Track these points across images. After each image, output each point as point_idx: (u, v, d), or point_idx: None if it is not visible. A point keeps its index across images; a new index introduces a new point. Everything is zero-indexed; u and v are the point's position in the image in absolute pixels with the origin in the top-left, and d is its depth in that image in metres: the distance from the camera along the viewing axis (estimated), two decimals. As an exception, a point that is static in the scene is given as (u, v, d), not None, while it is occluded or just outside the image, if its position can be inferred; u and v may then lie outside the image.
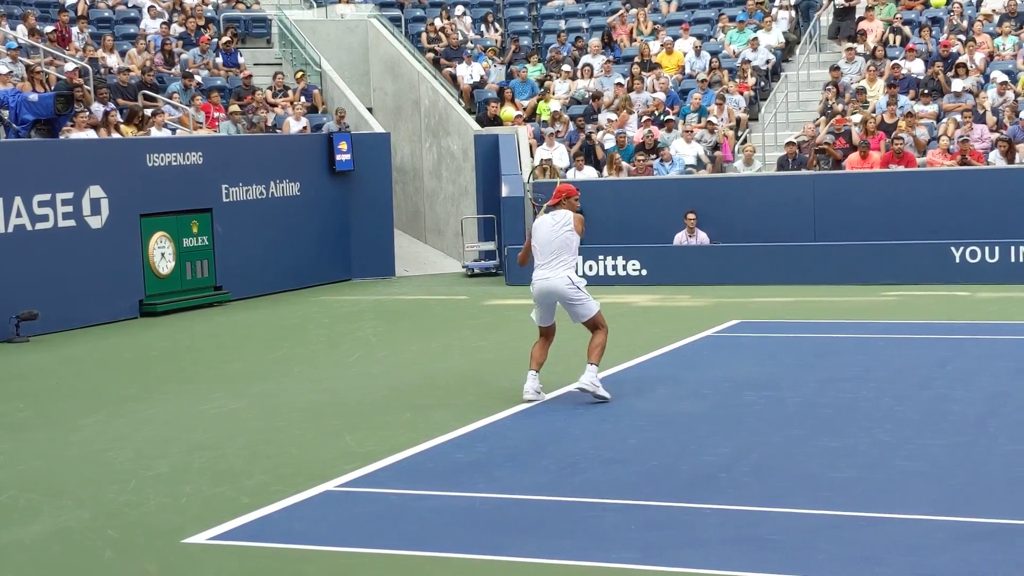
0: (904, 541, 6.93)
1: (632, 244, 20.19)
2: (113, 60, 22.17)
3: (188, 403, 11.78)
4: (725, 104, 22.53)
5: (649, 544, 7.02)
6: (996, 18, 23.79)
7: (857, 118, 21.25)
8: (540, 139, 22.75)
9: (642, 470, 8.67)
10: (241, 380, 13.01)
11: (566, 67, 24.93)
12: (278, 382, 12.79)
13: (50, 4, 24.03)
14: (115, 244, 17.92)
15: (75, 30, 22.65)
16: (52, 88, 19.33)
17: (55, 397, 12.56)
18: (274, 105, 22.96)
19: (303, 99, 23.27)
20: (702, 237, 20.25)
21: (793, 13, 25.91)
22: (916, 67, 22.62)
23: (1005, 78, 21.50)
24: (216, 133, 21.10)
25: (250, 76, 23.46)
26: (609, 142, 22.26)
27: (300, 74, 23.97)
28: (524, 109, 23.86)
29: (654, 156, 21.58)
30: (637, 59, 24.59)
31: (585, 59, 25.10)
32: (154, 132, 19.83)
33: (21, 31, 21.49)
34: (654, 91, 23.54)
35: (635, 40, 25.84)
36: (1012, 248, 18.48)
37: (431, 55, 25.86)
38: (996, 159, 19.83)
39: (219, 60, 23.81)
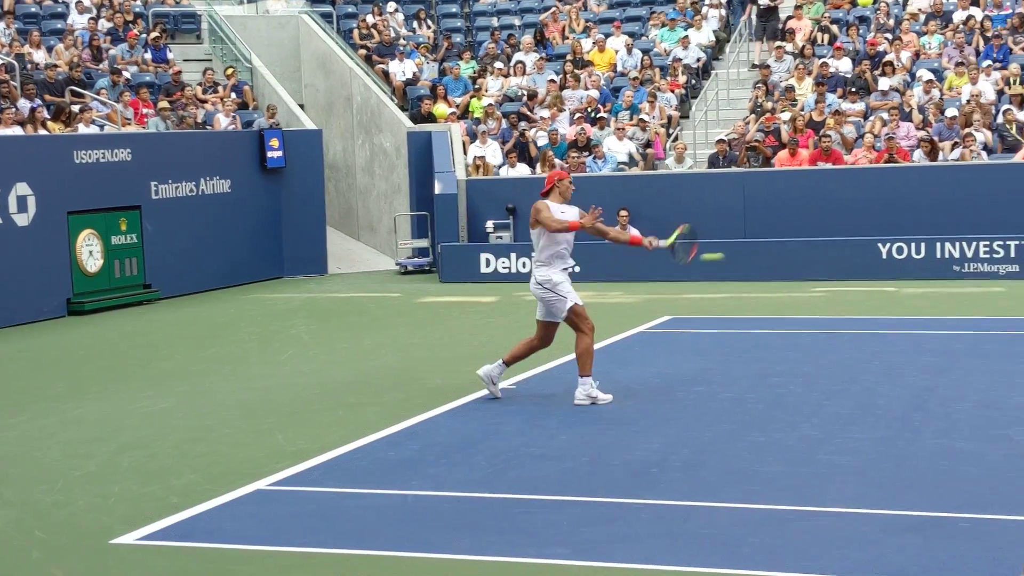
0: (831, 534, 7.02)
1: (565, 241, 20.21)
2: (40, 56, 21.85)
3: (117, 402, 11.65)
4: (657, 102, 22.66)
5: (581, 540, 7.06)
6: (922, 17, 24.14)
7: (786, 116, 21.48)
8: (473, 136, 22.76)
9: (574, 466, 8.71)
10: (171, 379, 12.89)
11: (499, 64, 24.95)
12: (208, 381, 12.69)
13: (-26, -2, 23.66)
14: (42, 242, 17.68)
15: (1, 25, 22.30)
16: (-24, 84, 19.04)
17: (-20, 397, 12.38)
18: (204, 101, 22.75)
19: (233, 95, 23.08)
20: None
21: (723, 12, 26.11)
22: (844, 66, 22.90)
23: (931, 76, 21.83)
24: (145, 130, 20.88)
25: (179, 72, 23.24)
26: (542, 139, 22.31)
27: (230, 70, 23.78)
28: (457, 106, 23.85)
29: (587, 153, 21.66)
30: (569, 57, 24.66)
31: (518, 56, 25.14)
32: (82, 129, 19.58)
33: (-56, 25, 21.14)
34: (587, 88, 23.63)
35: (567, 38, 25.92)
36: (937, 244, 18.78)
37: (363, 52, 25.75)
38: (920, 158, 20.13)
39: (148, 56, 23.54)
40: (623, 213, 20.20)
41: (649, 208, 20.43)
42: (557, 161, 21.69)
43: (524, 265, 19.92)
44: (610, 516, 7.53)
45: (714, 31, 25.55)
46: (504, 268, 20.50)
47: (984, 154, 20.00)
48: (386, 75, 25.16)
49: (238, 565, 6.91)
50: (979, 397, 10.50)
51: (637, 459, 8.84)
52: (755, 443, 9.20)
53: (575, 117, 22.67)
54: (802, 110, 21.76)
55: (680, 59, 24.09)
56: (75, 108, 20.07)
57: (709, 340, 14.31)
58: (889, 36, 23.53)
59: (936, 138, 20.46)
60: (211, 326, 17.05)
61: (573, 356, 10.89)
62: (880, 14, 24.37)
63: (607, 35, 25.33)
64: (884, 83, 21.96)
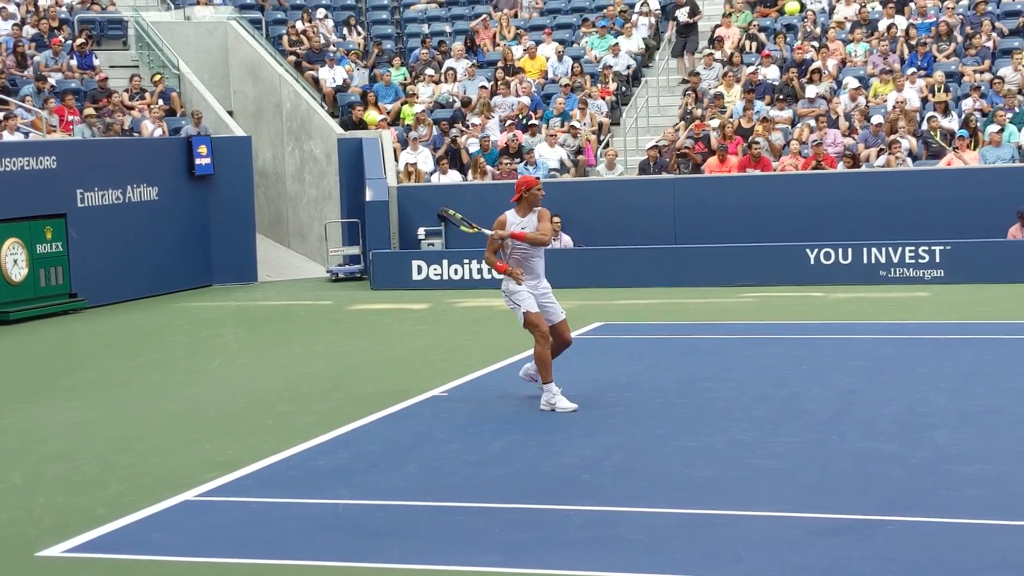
0: (760, 537, 7.07)
1: (496, 248, 20.22)
2: (-38, 61, 21.53)
3: (41, 413, 11.47)
4: (587, 109, 22.76)
5: (513, 546, 7.05)
6: (848, 25, 24.46)
7: (715, 123, 21.66)
8: (404, 143, 22.71)
9: (506, 473, 8.71)
10: (96, 389, 12.72)
11: (430, 71, 24.92)
12: (135, 390, 12.53)
13: None
14: (-35, 251, 17.37)
15: (-78, 30, 21.94)
16: None
17: (-99, 409, 12.13)
18: (131, 108, 22.51)
19: (161, 102, 22.86)
20: (566, 240, 20.43)
21: (653, 20, 26.27)
22: (771, 73, 23.14)
23: (857, 84, 22.12)
24: (70, 137, 20.61)
25: (106, 79, 22.97)
26: (473, 146, 22.32)
27: (158, 77, 23.55)
28: (388, 113, 23.79)
29: (518, 160, 21.70)
30: (500, 63, 24.69)
31: (449, 63, 25.13)
32: (5, 136, 19.30)
33: None
34: (518, 95, 23.67)
35: (498, 45, 25.95)
36: (864, 250, 19.02)
37: (292, 58, 25.61)
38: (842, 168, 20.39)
39: (73, 62, 23.25)
40: (556, 219, 20.23)
41: (580, 215, 20.52)
42: (489, 168, 21.71)
43: (456, 272, 19.91)
44: (542, 522, 7.53)
45: (644, 39, 25.70)
46: (436, 275, 20.46)
47: (909, 160, 20.30)
48: (316, 82, 25.04)
49: (166, 577, 6.83)
50: (904, 401, 10.64)
51: (569, 465, 8.86)
52: (685, 448, 9.25)
53: (506, 124, 22.70)
54: (731, 117, 21.96)
55: (610, 66, 24.22)
56: (-1, 115, 19.79)
57: (640, 346, 14.38)
58: (816, 44, 23.82)
59: (862, 145, 20.74)
60: (138, 335, 16.84)
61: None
62: (807, 22, 24.66)
63: (538, 42, 25.41)
64: (811, 90, 22.23)
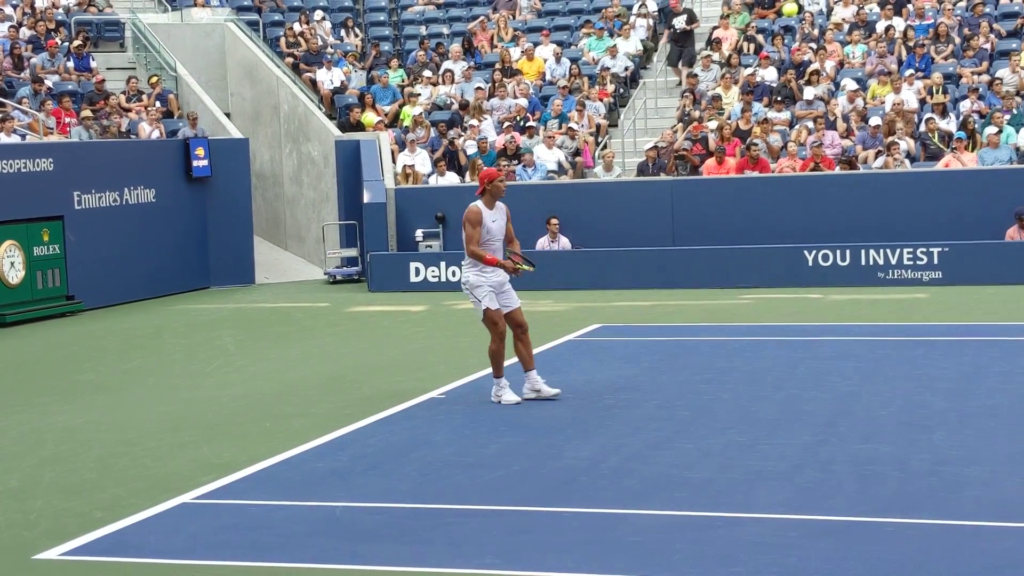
0: (757, 540, 7.06)
1: (494, 249, 20.22)
2: (-41, 64, 21.51)
3: (38, 416, 11.46)
4: (585, 110, 22.75)
5: (510, 549, 7.04)
6: (846, 27, 24.46)
7: (713, 124, 21.65)
8: (402, 145, 22.70)
9: (504, 475, 8.70)
10: (93, 391, 12.70)
11: (427, 73, 24.91)
12: (132, 393, 12.52)
13: None
14: (-38, 253, 17.36)
15: (-82, 32, 21.92)
16: None
17: (-103, 412, 12.11)
18: (128, 110, 22.49)
19: (158, 104, 22.84)
20: (564, 242, 20.42)
21: (651, 21, 26.26)
22: (769, 75, 23.14)
23: (855, 85, 22.12)
24: (68, 139, 20.59)
25: (103, 81, 22.95)
26: (471, 148, 22.30)
27: (155, 79, 23.52)
28: (386, 115, 23.78)
29: (516, 162, 21.69)
30: (498, 65, 24.68)
31: (446, 65, 25.12)
32: (2, 138, 19.27)
33: None
34: (515, 97, 23.66)
35: (496, 46, 25.95)
36: (862, 251, 19.01)
37: (290, 60, 25.60)
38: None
39: (70, 64, 23.23)
40: (554, 221, 20.26)
41: (578, 216, 20.52)
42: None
43: (454, 274, 19.88)
44: (539, 524, 7.52)
45: (642, 40, 25.69)
46: (434, 277, 20.45)
47: (907, 162, 20.30)
48: (313, 83, 25.03)
49: (162, 580, 6.82)
50: (903, 402, 10.63)
51: (566, 467, 8.85)
52: (683, 450, 9.24)
53: (504, 126, 22.70)
54: (729, 119, 21.95)
55: (608, 68, 24.21)
56: (-4, 117, 19.76)
57: (638, 347, 14.37)
58: (814, 46, 23.82)
59: (860, 146, 20.74)
60: (135, 338, 16.83)
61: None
62: (805, 24, 24.65)
63: (536, 44, 25.40)
64: (809, 92, 22.22)
